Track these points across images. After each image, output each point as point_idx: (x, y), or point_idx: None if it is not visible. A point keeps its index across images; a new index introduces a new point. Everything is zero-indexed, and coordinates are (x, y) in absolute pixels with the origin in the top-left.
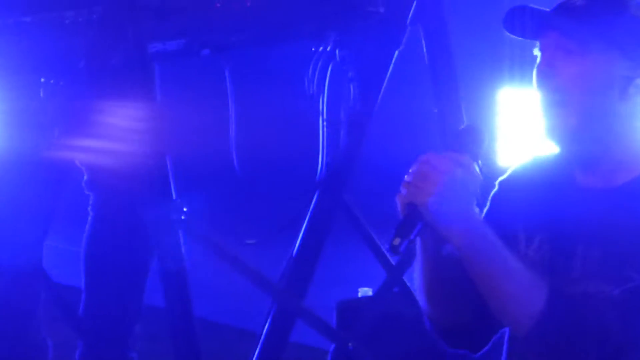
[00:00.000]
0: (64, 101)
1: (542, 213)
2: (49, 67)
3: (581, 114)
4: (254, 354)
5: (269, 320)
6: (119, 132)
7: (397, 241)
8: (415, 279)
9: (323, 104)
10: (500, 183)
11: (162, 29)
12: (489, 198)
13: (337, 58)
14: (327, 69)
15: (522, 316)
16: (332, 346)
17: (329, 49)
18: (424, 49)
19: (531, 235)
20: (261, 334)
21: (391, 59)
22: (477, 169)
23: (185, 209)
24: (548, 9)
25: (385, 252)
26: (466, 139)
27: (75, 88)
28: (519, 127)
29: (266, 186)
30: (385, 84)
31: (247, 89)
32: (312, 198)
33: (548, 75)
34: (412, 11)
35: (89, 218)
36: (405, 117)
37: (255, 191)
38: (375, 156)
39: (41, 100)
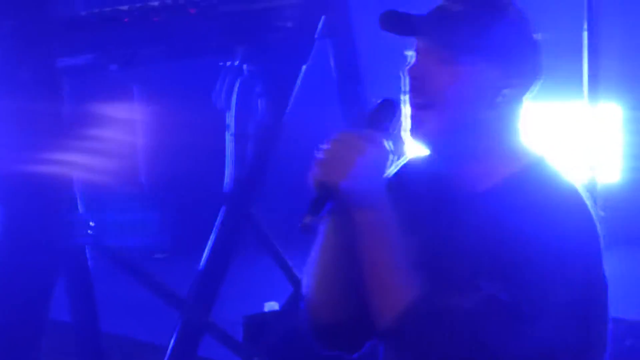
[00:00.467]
0: None
1: (418, 216)
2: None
3: (446, 120)
4: None
5: (175, 334)
6: (26, 145)
7: (308, 219)
8: (310, 264)
9: (231, 118)
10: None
11: (70, 43)
12: None
13: (245, 72)
14: (235, 83)
15: (389, 310)
16: None
17: (237, 63)
18: (332, 64)
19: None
20: (168, 348)
21: (299, 74)
22: (390, 146)
23: (92, 223)
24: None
25: (291, 266)
26: (382, 114)
27: None
28: None
29: (174, 200)
30: (292, 98)
31: (155, 104)
32: (219, 212)
33: (417, 79)
34: (320, 26)
35: None
36: (312, 131)
37: (163, 205)
38: (282, 170)
39: None
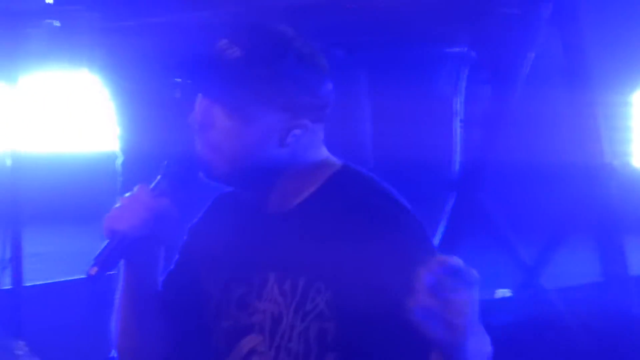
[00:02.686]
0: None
1: (232, 251)
2: (184, 67)
3: (234, 163)
4: None
5: None
6: None
7: (93, 270)
8: (114, 310)
9: (459, 105)
10: (190, 230)
11: (295, 30)
12: (179, 249)
13: (473, 59)
14: (463, 69)
15: None
16: None
17: (464, 50)
18: (560, 51)
19: (224, 281)
20: None
21: (525, 61)
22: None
23: None
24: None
25: (521, 253)
26: (175, 166)
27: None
28: None
29: (402, 187)
30: (520, 85)
31: (382, 90)
32: (449, 199)
33: (202, 125)
34: (547, 13)
35: None
36: (538, 119)
37: None
38: (510, 156)
39: (177, 101)
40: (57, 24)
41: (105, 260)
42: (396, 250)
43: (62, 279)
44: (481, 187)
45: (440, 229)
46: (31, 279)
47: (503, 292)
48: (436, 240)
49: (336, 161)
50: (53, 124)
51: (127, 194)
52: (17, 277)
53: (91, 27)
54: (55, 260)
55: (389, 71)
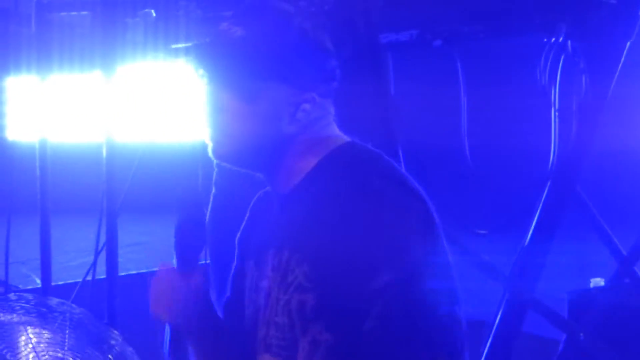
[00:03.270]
0: None
1: (254, 241)
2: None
3: (245, 146)
4: (486, 343)
5: (501, 311)
6: (350, 123)
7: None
8: None
9: (555, 95)
10: (237, 242)
11: (394, 19)
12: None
13: (569, 49)
14: (559, 60)
15: None
16: (564, 336)
17: (560, 40)
18: None
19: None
20: (493, 324)
21: (623, 50)
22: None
23: None
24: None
25: (616, 242)
26: (185, 237)
27: None
28: None
29: (498, 176)
30: (617, 74)
31: (478, 80)
32: (544, 189)
33: (211, 110)
34: None
35: None
36: (636, 109)
37: (486, 181)
38: (606, 147)
39: None
40: (154, 14)
41: (173, 352)
42: (376, 226)
43: (157, 269)
44: (577, 177)
45: (536, 219)
46: (127, 269)
47: (597, 281)
48: (531, 230)
49: (343, 138)
50: (149, 114)
51: (155, 277)
52: (112, 266)
53: (188, 17)
54: (151, 250)
55: (486, 61)
